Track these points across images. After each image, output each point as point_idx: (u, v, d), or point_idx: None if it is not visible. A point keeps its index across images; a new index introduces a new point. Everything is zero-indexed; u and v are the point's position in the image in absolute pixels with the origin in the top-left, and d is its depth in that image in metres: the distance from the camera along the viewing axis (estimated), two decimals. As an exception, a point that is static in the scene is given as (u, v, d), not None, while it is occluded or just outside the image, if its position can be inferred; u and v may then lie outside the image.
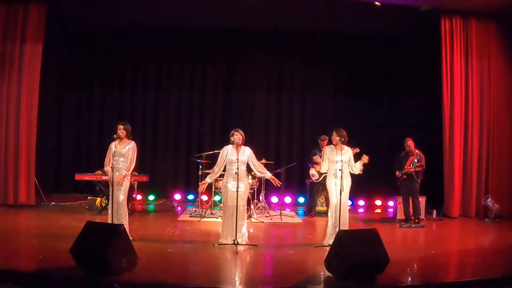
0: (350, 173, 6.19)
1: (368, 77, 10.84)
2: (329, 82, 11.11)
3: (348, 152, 6.16)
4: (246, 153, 6.11)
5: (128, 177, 6.11)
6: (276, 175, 6.97)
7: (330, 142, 6.47)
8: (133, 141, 6.19)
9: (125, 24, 10.07)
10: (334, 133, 6.22)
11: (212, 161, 8.34)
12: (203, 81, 10.92)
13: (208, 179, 6.27)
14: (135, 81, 10.86)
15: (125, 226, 5.97)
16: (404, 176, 7.90)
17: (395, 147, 8.76)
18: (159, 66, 10.90)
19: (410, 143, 7.99)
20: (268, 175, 6.36)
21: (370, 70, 10.80)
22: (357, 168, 6.12)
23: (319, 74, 11.05)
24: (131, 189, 7.65)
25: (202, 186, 6.34)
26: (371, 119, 10.90)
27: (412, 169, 7.82)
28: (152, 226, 7.74)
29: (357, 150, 6.26)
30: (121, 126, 6.12)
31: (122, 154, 6.04)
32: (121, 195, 5.98)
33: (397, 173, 8.02)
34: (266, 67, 10.98)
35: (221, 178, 6.53)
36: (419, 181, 7.93)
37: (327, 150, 6.28)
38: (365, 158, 6.05)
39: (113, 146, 6.07)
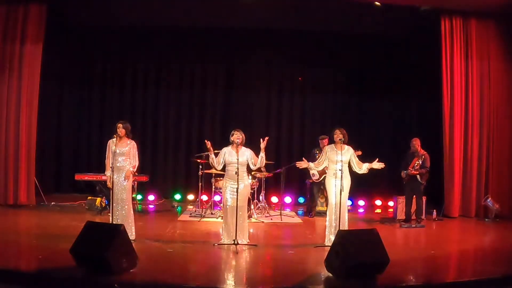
0: (353, 171, 6.17)
1: (368, 77, 10.84)
2: (329, 82, 11.09)
3: (348, 152, 6.14)
4: (246, 154, 6.07)
5: (131, 176, 6.11)
6: (276, 175, 6.95)
7: (330, 142, 6.45)
8: (132, 140, 6.19)
9: (125, 24, 10.05)
10: (338, 131, 6.16)
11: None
12: (203, 81, 10.91)
13: (212, 156, 6.06)
14: (135, 81, 10.85)
15: (131, 225, 6.01)
16: (407, 177, 7.89)
17: (395, 147, 8.74)
18: (159, 66, 10.89)
19: (415, 143, 7.92)
20: (260, 154, 6.07)
21: (370, 70, 10.80)
22: (364, 167, 6.09)
23: (319, 74, 11.03)
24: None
25: (210, 144, 6.07)
26: (370, 119, 10.90)
27: (413, 171, 7.79)
28: (152, 226, 7.75)
29: (359, 152, 6.24)
30: (120, 125, 6.13)
31: (123, 153, 6.04)
32: (125, 194, 6.00)
33: (402, 173, 7.98)
34: (266, 67, 10.95)
35: (222, 178, 6.50)
36: (424, 182, 7.86)
37: (327, 150, 6.25)
38: (378, 165, 6.04)
39: (111, 143, 6.06)
